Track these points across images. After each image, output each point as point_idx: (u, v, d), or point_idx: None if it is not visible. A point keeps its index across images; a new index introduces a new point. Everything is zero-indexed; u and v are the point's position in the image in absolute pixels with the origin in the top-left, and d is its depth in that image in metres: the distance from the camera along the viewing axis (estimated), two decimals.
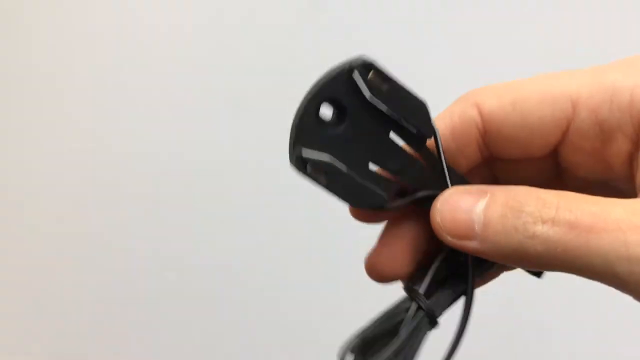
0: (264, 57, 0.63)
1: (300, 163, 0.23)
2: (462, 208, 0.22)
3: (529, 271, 0.25)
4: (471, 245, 0.22)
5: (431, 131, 0.24)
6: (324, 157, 0.23)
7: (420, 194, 0.24)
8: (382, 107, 0.23)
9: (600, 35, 0.58)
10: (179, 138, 0.63)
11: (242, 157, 0.63)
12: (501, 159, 0.25)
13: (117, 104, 0.64)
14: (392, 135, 0.24)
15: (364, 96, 0.23)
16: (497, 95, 0.24)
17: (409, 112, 0.24)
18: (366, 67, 0.23)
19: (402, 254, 0.25)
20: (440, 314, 0.25)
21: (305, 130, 0.23)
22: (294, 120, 0.23)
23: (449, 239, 0.22)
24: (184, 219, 0.63)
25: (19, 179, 0.65)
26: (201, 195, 0.62)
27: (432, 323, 0.24)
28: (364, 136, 0.23)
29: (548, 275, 0.25)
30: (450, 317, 0.25)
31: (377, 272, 0.25)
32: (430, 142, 0.24)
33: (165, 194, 0.63)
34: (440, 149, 0.24)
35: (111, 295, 0.63)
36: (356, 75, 0.23)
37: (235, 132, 0.63)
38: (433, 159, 0.24)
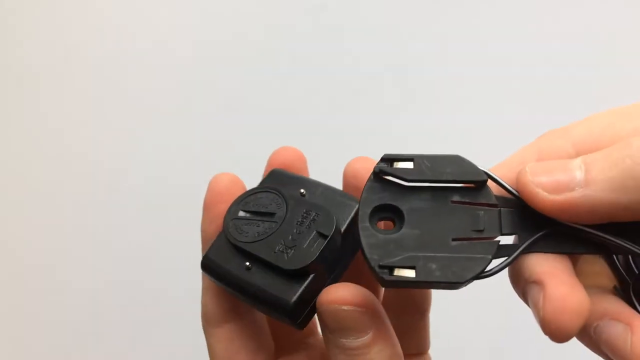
0: (264, 57, 0.63)
1: (386, 272, 0.22)
2: (559, 163, 0.21)
3: None
4: (571, 195, 0.20)
5: (483, 174, 0.23)
6: (406, 257, 0.22)
7: (529, 241, 0.22)
8: (426, 181, 0.23)
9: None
10: (179, 138, 0.63)
11: (243, 157, 0.62)
12: None
13: (117, 104, 0.64)
14: (454, 201, 0.23)
15: (403, 185, 0.23)
16: (592, 133, 0.22)
17: (453, 170, 0.23)
18: (385, 161, 0.23)
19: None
20: None
21: (376, 246, 0.22)
22: (363, 251, 0.23)
23: (547, 197, 0.20)
24: (184, 218, 0.63)
25: (18, 179, 0.65)
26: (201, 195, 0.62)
27: None
28: (428, 218, 0.23)
29: None
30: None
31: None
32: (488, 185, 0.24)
33: (165, 194, 0.63)
34: (505, 184, 0.23)
35: (112, 295, 0.63)
36: (383, 173, 0.23)
37: (235, 132, 0.63)
38: (505, 199, 0.23)
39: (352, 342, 0.24)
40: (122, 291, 0.63)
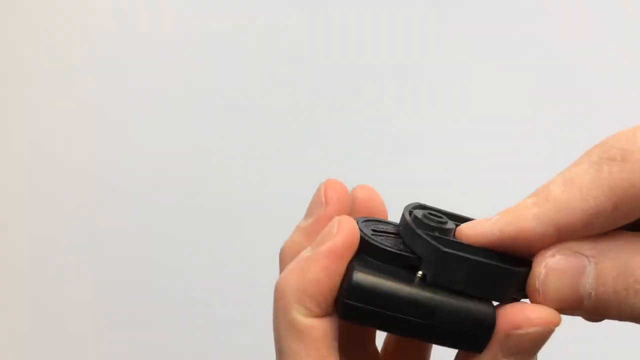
0: (263, 58, 0.63)
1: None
2: (567, 283, 0.20)
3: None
4: (574, 314, 0.21)
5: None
6: None
7: None
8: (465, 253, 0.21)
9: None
10: (179, 138, 0.63)
11: (242, 157, 0.62)
12: None
13: (116, 104, 0.64)
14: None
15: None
16: None
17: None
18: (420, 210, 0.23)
19: None
20: None
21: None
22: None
23: (552, 310, 0.21)
24: (184, 219, 0.63)
25: (17, 179, 0.65)
26: (201, 195, 0.62)
27: None
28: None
29: None
30: None
31: None
32: None
33: (166, 194, 0.63)
34: None
35: (112, 295, 0.63)
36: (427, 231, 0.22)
37: (235, 133, 0.63)
38: None
39: None
40: (122, 291, 0.63)
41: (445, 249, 0.21)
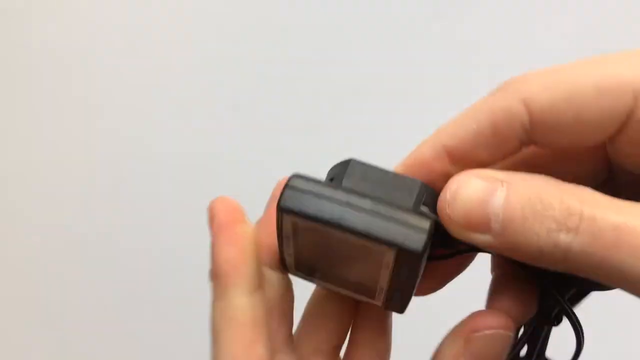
0: (263, 58, 0.63)
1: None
2: (477, 198, 0.20)
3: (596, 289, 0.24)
4: (482, 238, 0.20)
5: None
6: None
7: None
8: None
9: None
10: (179, 139, 0.63)
11: (242, 157, 0.62)
12: (545, 148, 0.23)
13: (116, 104, 0.64)
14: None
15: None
16: (548, 88, 0.21)
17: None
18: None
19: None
20: None
21: None
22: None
23: (457, 230, 0.21)
24: (184, 219, 0.63)
25: (17, 179, 0.65)
26: (201, 195, 0.62)
27: None
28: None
29: None
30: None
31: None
32: None
33: (165, 194, 0.63)
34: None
35: (112, 296, 0.63)
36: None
37: (235, 133, 0.63)
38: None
39: None
40: (122, 291, 0.63)
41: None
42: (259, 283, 0.24)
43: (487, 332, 0.22)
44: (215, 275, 0.23)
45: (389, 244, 0.20)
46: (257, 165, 0.62)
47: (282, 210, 0.21)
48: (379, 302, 0.23)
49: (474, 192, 0.21)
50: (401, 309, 0.23)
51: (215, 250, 0.23)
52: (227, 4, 0.64)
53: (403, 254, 0.21)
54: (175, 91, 0.64)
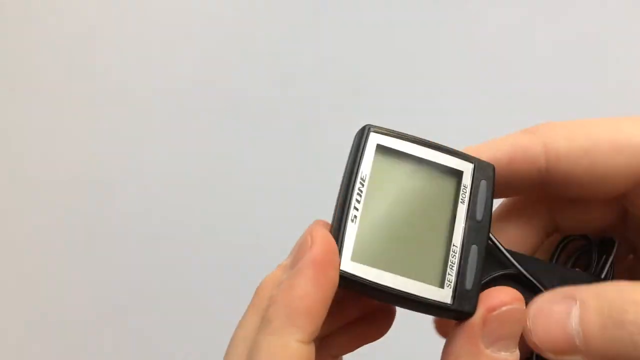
0: (263, 58, 0.63)
1: None
2: (556, 322, 0.22)
3: None
4: (575, 359, 0.22)
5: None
6: None
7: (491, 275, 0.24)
8: None
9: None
10: (178, 138, 0.63)
11: (242, 157, 0.62)
12: (560, 196, 0.25)
13: (116, 104, 0.64)
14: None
15: None
16: (569, 137, 0.23)
17: None
18: None
19: None
20: None
21: None
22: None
23: (549, 355, 0.22)
24: (184, 218, 0.63)
25: (17, 179, 0.64)
26: (201, 195, 0.62)
27: None
28: None
29: None
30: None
31: None
32: None
33: (165, 194, 0.63)
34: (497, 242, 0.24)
35: (111, 295, 0.63)
36: None
37: (235, 134, 0.63)
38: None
39: (512, 354, 0.22)
40: (122, 291, 0.63)
41: None
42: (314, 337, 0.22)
43: (503, 309, 0.22)
44: (283, 305, 0.21)
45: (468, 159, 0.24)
46: (256, 166, 0.62)
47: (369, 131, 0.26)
48: (448, 293, 0.23)
49: (551, 316, 0.22)
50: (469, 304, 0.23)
51: (298, 282, 0.21)
52: (227, 4, 0.64)
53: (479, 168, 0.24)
54: (174, 91, 0.63)
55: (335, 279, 0.22)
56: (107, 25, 0.65)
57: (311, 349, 0.21)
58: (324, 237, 0.22)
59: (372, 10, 0.62)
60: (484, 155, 0.24)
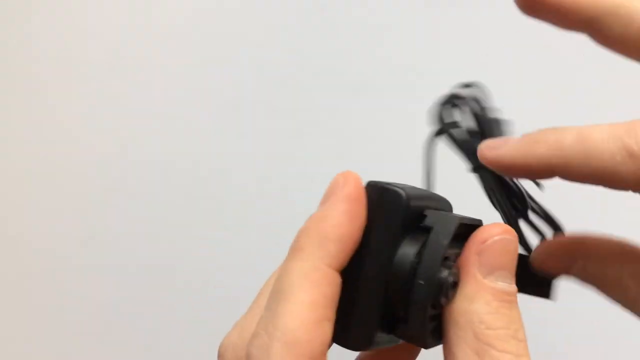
0: (263, 58, 0.63)
1: None
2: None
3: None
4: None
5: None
6: None
7: None
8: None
9: None
10: (178, 139, 0.63)
11: (241, 157, 0.62)
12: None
13: (116, 104, 0.64)
14: None
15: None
16: None
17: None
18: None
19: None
20: None
21: None
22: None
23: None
24: (183, 218, 0.63)
25: (17, 179, 0.64)
26: (200, 195, 0.62)
27: None
28: None
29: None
30: None
31: None
32: None
33: (165, 193, 0.63)
34: None
35: (111, 295, 0.63)
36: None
37: (235, 133, 0.63)
38: None
39: (510, 286, 0.23)
40: (121, 291, 0.63)
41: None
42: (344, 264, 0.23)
43: (495, 238, 0.23)
44: (316, 233, 0.22)
45: None
46: (256, 166, 0.62)
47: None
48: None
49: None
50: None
51: (332, 213, 0.22)
52: (228, 4, 0.64)
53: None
54: (174, 91, 0.63)
55: (364, 218, 0.23)
56: (107, 25, 0.65)
57: (339, 280, 0.22)
58: (356, 178, 0.23)
59: (371, 10, 0.63)
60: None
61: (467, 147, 0.28)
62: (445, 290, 0.22)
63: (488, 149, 0.25)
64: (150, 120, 0.64)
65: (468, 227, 0.23)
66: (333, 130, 0.62)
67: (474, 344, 0.21)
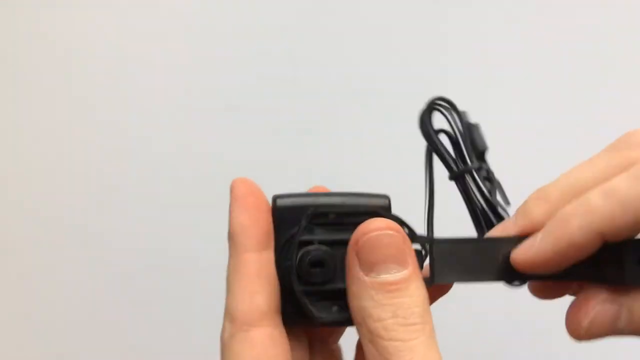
0: (263, 58, 0.63)
1: None
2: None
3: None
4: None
5: None
6: None
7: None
8: None
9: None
10: (177, 139, 0.63)
11: (241, 157, 0.62)
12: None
13: (116, 104, 0.64)
14: None
15: None
16: None
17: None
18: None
19: None
20: None
21: None
22: None
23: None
24: (183, 218, 0.63)
25: (18, 179, 0.64)
26: (200, 195, 0.62)
27: None
28: None
29: None
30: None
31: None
32: None
33: (165, 193, 0.63)
34: None
35: (109, 296, 0.63)
36: None
37: (235, 133, 0.63)
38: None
39: (394, 275, 0.23)
40: (122, 291, 0.63)
41: None
42: (267, 244, 0.26)
43: (369, 235, 0.24)
44: (230, 236, 0.26)
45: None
46: (257, 165, 0.62)
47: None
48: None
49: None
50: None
51: (231, 216, 0.27)
52: (228, 5, 0.64)
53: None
54: (174, 91, 0.64)
55: (257, 202, 0.27)
56: (107, 25, 0.65)
57: (263, 256, 0.26)
58: (241, 181, 0.27)
59: (371, 10, 0.63)
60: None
61: (448, 154, 0.30)
62: (300, 269, 0.25)
63: (521, 254, 0.25)
64: (150, 120, 0.64)
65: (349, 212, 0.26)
66: (333, 131, 0.62)
67: (369, 337, 0.23)
